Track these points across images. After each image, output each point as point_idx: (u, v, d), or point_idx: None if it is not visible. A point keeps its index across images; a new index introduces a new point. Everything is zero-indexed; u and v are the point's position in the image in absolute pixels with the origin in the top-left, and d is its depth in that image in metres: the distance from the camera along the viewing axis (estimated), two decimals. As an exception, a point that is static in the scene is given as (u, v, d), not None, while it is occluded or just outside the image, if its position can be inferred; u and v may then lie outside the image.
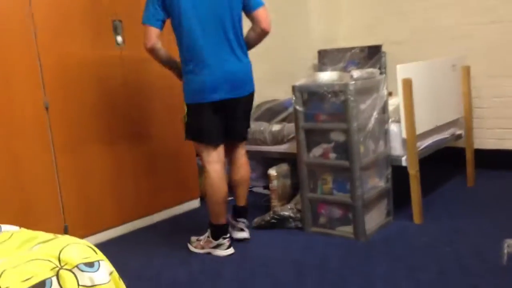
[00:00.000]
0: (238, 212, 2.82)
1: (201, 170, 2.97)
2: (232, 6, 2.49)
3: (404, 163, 2.84)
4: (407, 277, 2.20)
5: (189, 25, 2.46)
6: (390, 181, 2.89)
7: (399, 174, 2.92)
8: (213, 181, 2.58)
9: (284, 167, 3.25)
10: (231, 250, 2.64)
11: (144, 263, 2.63)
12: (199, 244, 2.71)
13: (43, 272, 1.27)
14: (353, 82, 2.59)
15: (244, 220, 2.82)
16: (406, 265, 2.31)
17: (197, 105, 2.54)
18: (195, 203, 3.53)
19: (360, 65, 3.73)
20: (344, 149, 2.67)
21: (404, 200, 2.91)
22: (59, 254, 1.34)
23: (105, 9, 2.96)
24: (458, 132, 3.39)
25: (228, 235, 2.67)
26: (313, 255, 2.53)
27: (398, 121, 2.85)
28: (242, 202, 2.81)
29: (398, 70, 2.73)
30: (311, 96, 2.77)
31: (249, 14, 2.57)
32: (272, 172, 3.17)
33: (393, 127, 2.87)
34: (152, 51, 2.55)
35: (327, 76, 2.76)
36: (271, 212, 2.99)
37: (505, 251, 2.31)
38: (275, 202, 3.17)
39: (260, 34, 2.60)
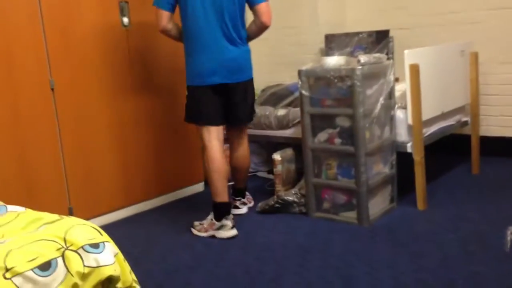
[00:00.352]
0: (234, 191, 3.05)
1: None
2: None
3: (409, 150, 2.83)
4: (410, 263, 2.20)
5: (194, 12, 2.60)
6: (395, 168, 2.88)
7: (403, 160, 2.91)
8: (213, 157, 2.68)
9: (289, 152, 3.25)
10: (234, 231, 2.66)
11: (148, 246, 2.65)
12: (202, 227, 2.75)
13: (48, 253, 1.28)
14: (360, 67, 2.57)
15: (240, 199, 3.04)
16: (409, 251, 2.31)
17: (196, 87, 2.69)
18: (199, 187, 3.54)
19: (367, 50, 3.69)
20: (350, 135, 2.66)
21: (408, 187, 2.90)
22: (65, 235, 1.35)
23: (110, -10, 2.94)
24: (464, 119, 3.37)
25: (231, 216, 2.71)
26: (317, 240, 2.54)
27: (404, 107, 2.83)
28: (240, 184, 3.05)
29: (405, 55, 2.70)
30: (317, 81, 2.75)
31: (251, 7, 2.70)
32: (277, 156, 3.17)
33: (399, 113, 2.86)
34: (164, 32, 2.74)
35: (334, 61, 2.73)
36: (275, 197, 2.99)
37: (509, 238, 2.32)
38: (279, 187, 3.17)
39: (260, 27, 2.73)
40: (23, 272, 1.21)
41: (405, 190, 2.95)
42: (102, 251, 1.36)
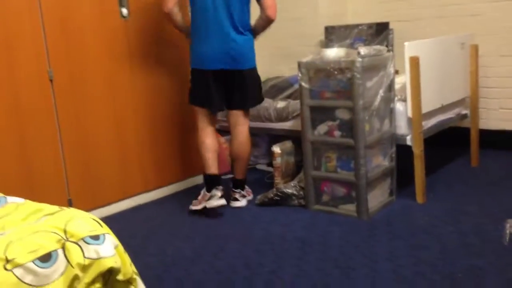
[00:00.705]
0: (234, 183, 3.05)
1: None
2: None
3: (408, 142, 2.83)
4: (409, 255, 2.21)
5: (203, 0, 2.75)
6: (394, 160, 2.88)
7: (402, 153, 2.91)
8: (202, 140, 2.94)
9: (288, 144, 3.24)
10: (222, 201, 2.83)
11: (147, 238, 2.65)
12: (197, 202, 2.92)
13: (49, 244, 1.27)
14: (360, 59, 2.56)
15: (240, 191, 3.03)
16: (408, 244, 2.32)
17: (198, 71, 2.86)
18: (199, 179, 3.54)
19: (367, 42, 3.68)
20: (349, 127, 2.66)
21: (407, 179, 2.91)
22: (65, 226, 1.34)
23: (109, -19, 2.92)
24: (464, 112, 3.37)
25: (221, 186, 2.91)
26: (316, 232, 2.55)
27: (404, 100, 2.83)
28: (239, 175, 3.04)
29: (406, 47, 2.69)
30: (317, 73, 2.74)
31: (258, 1, 2.81)
32: (276, 149, 3.16)
33: (398, 106, 2.85)
34: (168, 16, 2.84)
35: (334, 53, 2.72)
36: (274, 189, 2.99)
37: (508, 231, 2.32)
38: (278, 180, 3.17)
39: (265, 21, 2.85)
40: (24, 263, 1.21)
41: (404, 183, 2.95)
42: (102, 243, 1.36)
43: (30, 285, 1.20)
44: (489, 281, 1.95)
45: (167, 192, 3.35)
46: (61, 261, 1.26)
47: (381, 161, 2.83)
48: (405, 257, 2.19)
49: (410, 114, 2.76)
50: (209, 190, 2.87)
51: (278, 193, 2.95)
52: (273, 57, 4.41)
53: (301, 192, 2.91)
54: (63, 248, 1.29)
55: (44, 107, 2.69)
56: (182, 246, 2.51)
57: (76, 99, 2.82)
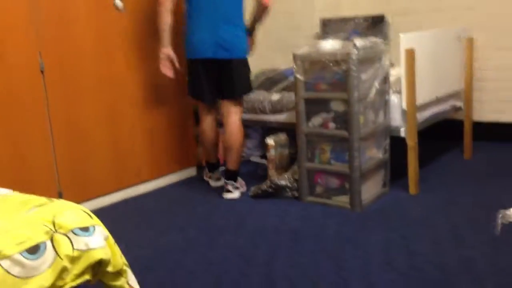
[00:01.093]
0: (226, 174, 3.08)
1: (198, 137, 3.29)
2: None
3: (403, 134, 2.83)
4: (402, 247, 2.21)
5: None
6: (388, 152, 2.88)
7: (395, 144, 2.91)
8: (203, 128, 3.12)
9: (282, 136, 3.23)
10: (219, 183, 3.20)
11: (139, 230, 2.65)
12: (207, 173, 3.34)
13: (37, 236, 1.26)
14: (356, 51, 2.54)
15: (233, 183, 3.05)
16: (401, 236, 2.32)
17: (192, 60, 2.96)
18: (191, 171, 3.53)
19: (363, 35, 3.66)
20: (344, 119, 2.65)
21: (400, 171, 2.91)
22: (54, 218, 1.33)
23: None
24: (458, 104, 3.37)
25: (218, 171, 3.26)
26: (309, 224, 2.54)
27: (399, 92, 2.82)
28: (231, 165, 3.07)
29: (401, 39, 2.68)
30: (312, 65, 2.73)
31: None
32: (270, 141, 3.15)
33: (393, 98, 2.85)
34: (161, 8, 2.88)
35: (329, 45, 2.71)
36: (268, 181, 2.98)
37: (499, 221, 2.32)
38: (272, 171, 3.16)
39: (261, 9, 2.92)
40: (11, 255, 1.20)
41: (397, 174, 2.95)
42: (92, 234, 1.35)
43: (17, 276, 1.19)
44: (481, 271, 1.95)
45: (160, 184, 3.33)
46: (49, 252, 1.25)
47: (375, 153, 2.82)
48: (398, 248, 2.20)
49: (404, 106, 2.76)
50: (209, 171, 3.30)
51: (272, 185, 2.94)
52: (268, 50, 4.39)
53: (295, 184, 2.90)
54: (52, 239, 1.27)
55: (35, 99, 2.67)
56: (175, 237, 2.51)
57: (67, 91, 2.79)
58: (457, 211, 2.54)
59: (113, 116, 3.01)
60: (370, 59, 2.67)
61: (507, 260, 2.02)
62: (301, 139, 2.82)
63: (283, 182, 2.93)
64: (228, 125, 3.00)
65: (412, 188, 2.82)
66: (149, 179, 3.26)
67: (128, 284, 1.46)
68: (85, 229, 1.35)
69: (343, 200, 2.74)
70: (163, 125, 3.29)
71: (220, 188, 3.18)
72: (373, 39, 2.77)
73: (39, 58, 2.66)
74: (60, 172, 2.79)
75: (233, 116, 3.00)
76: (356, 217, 2.59)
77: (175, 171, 3.42)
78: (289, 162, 3.23)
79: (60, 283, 1.27)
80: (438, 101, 3.10)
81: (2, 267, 1.17)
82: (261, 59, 4.30)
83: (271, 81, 3.70)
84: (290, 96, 3.37)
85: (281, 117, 3.45)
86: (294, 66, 2.74)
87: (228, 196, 3.03)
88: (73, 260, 1.29)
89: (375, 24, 3.71)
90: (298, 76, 2.74)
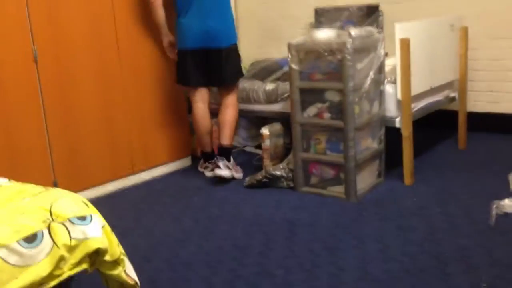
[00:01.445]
0: (219, 150, 3.16)
1: (192, 128, 3.29)
2: None
3: (398, 125, 2.83)
4: (397, 236, 2.22)
5: None
6: (383, 143, 2.88)
7: (390, 135, 2.91)
8: (196, 117, 3.12)
9: (277, 126, 3.23)
10: (213, 173, 3.07)
11: (135, 220, 2.64)
12: (202, 164, 3.32)
13: (34, 225, 1.25)
14: (351, 40, 2.53)
15: (224, 159, 3.07)
16: (396, 225, 2.33)
17: (182, 50, 3.03)
18: (187, 161, 3.52)
19: (357, 25, 3.65)
20: (339, 109, 2.65)
21: (395, 161, 2.91)
22: (51, 207, 1.32)
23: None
24: (452, 94, 3.37)
25: (213, 161, 3.15)
26: (305, 214, 2.55)
27: (394, 82, 2.82)
28: (224, 140, 3.13)
29: (396, 29, 2.67)
30: (307, 54, 2.72)
31: None
32: (265, 131, 3.15)
33: (388, 88, 2.84)
34: (151, 6, 3.02)
35: (325, 34, 2.70)
36: (263, 172, 2.98)
37: (494, 212, 2.35)
38: (267, 162, 3.16)
39: None
40: (8, 244, 1.19)
41: (392, 164, 2.96)
42: (89, 224, 1.34)
43: (14, 265, 1.18)
44: (475, 261, 1.97)
45: (155, 174, 3.32)
46: (46, 241, 1.24)
47: (370, 143, 2.83)
48: (393, 238, 2.21)
49: (399, 96, 2.76)
50: (205, 162, 3.27)
51: (267, 175, 2.94)
52: (263, 39, 4.37)
53: (290, 174, 2.90)
54: (49, 228, 1.26)
55: (28, 88, 2.64)
56: (170, 228, 2.50)
57: (61, 80, 2.76)
58: (452, 201, 2.56)
59: (107, 105, 2.99)
60: (365, 48, 2.66)
61: (502, 250, 2.04)
62: (296, 129, 2.82)
63: (278, 172, 2.93)
64: (226, 105, 3.13)
65: (407, 178, 2.83)
66: (144, 169, 3.25)
67: (125, 273, 1.46)
68: (82, 218, 1.34)
69: (338, 190, 2.74)
70: (158, 115, 3.27)
71: (215, 178, 3.18)
72: (368, 28, 2.76)
73: (32, 47, 2.63)
74: (55, 161, 2.77)
75: (230, 98, 3.14)
76: (351, 207, 2.60)
77: (170, 161, 3.40)
78: (284, 152, 3.23)
79: (57, 272, 1.26)
80: (432, 91, 3.10)
81: (-1, 256, 1.17)
82: (255, 49, 4.28)
83: (266, 70, 3.69)
84: (284, 86, 3.36)
85: (276, 107, 3.44)
86: (289, 56, 2.73)
87: (217, 172, 3.01)
88: (71, 249, 1.28)
89: (370, 14, 3.70)
90: (293, 65, 2.73)
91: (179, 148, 3.44)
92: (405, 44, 2.67)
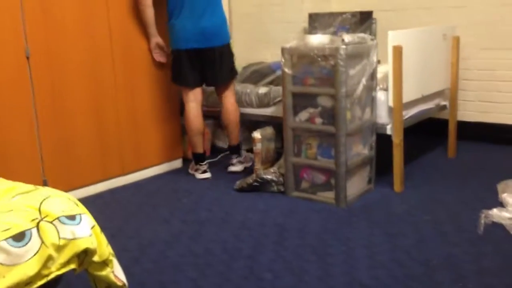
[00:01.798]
0: (230, 149, 3.32)
1: (185, 129, 3.30)
2: None
3: (389, 132, 2.85)
4: (386, 243, 2.23)
5: None
6: (374, 149, 2.89)
7: (381, 142, 2.93)
8: (189, 117, 3.14)
9: (269, 130, 3.23)
10: (205, 175, 3.20)
11: (124, 221, 2.62)
12: (192, 167, 3.31)
13: (22, 223, 1.24)
14: (344, 46, 2.55)
15: (237, 156, 3.29)
16: (385, 232, 2.34)
17: (176, 51, 3.05)
18: (177, 163, 3.51)
19: (350, 31, 3.68)
20: (331, 115, 2.66)
21: (385, 168, 2.93)
22: (40, 206, 1.31)
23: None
24: (443, 103, 3.40)
25: (205, 162, 3.24)
26: (294, 219, 2.55)
27: (386, 89, 2.84)
28: (232, 141, 3.29)
29: (389, 36, 2.69)
30: (300, 59, 2.73)
31: None
32: (257, 135, 3.14)
33: (380, 95, 2.86)
34: (140, 7, 3.02)
35: (318, 39, 2.71)
36: (254, 175, 2.98)
37: (482, 221, 2.37)
38: (258, 165, 3.16)
39: None
40: (-4, 242, 1.17)
41: (383, 171, 2.98)
42: (78, 223, 1.33)
43: (2, 264, 1.17)
44: (463, 268, 1.98)
45: (145, 175, 3.31)
46: (35, 240, 1.23)
47: (361, 150, 2.84)
48: (382, 244, 2.22)
49: (391, 103, 2.77)
50: (196, 163, 3.26)
51: (258, 179, 2.94)
52: (256, 43, 4.38)
53: (281, 179, 2.91)
54: (38, 227, 1.25)
55: (20, 85, 2.61)
56: (159, 229, 2.49)
57: (53, 78, 2.75)
58: (441, 209, 2.57)
59: (99, 105, 2.97)
60: (358, 55, 2.68)
61: (489, 259, 2.05)
62: (288, 134, 2.82)
63: (269, 177, 2.93)
64: (225, 104, 3.20)
65: (397, 185, 2.84)
66: (135, 170, 3.23)
67: (114, 274, 1.45)
68: (72, 218, 1.33)
69: (328, 195, 2.75)
70: (150, 116, 3.26)
71: (205, 181, 3.17)
72: (361, 35, 2.78)
73: (24, 44, 2.61)
74: (45, 160, 2.75)
75: (228, 98, 3.20)
76: (341, 213, 2.61)
77: (161, 163, 3.39)
78: (275, 156, 3.23)
79: (45, 271, 1.25)
80: (424, 99, 3.13)
81: (-14, 254, 1.15)
82: (248, 52, 4.29)
83: (258, 74, 3.70)
84: (277, 90, 3.37)
85: (268, 111, 3.45)
86: (282, 60, 2.74)
87: (231, 169, 3.27)
88: (59, 248, 1.27)
89: (363, 20, 3.72)
90: (286, 70, 2.74)
91: (170, 149, 3.42)
92: (398, 52, 2.69)
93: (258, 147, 3.15)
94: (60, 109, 2.79)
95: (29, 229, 1.24)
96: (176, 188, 3.09)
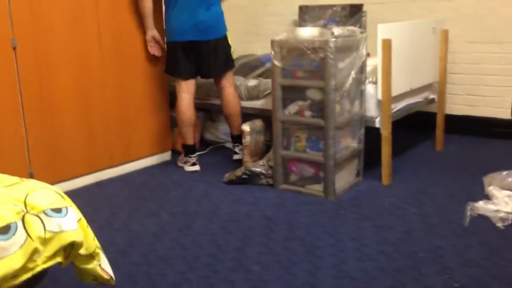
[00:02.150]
0: (233, 139, 3.33)
1: (174, 121, 3.30)
2: None
3: (377, 125, 2.86)
4: (374, 235, 2.24)
5: None
6: (363, 142, 2.90)
7: (369, 135, 2.94)
8: (180, 108, 3.12)
9: (258, 123, 3.23)
10: (194, 168, 3.19)
11: (112, 214, 2.61)
12: (181, 159, 3.29)
13: (8, 216, 1.22)
14: (334, 39, 2.54)
15: (238, 145, 3.30)
16: (373, 224, 2.36)
17: (172, 43, 3.07)
18: (166, 156, 3.49)
19: (340, 24, 3.67)
20: (320, 108, 2.66)
21: (373, 161, 2.94)
22: (25, 198, 1.29)
23: None
24: (431, 96, 3.42)
25: (195, 155, 3.24)
26: (283, 211, 2.55)
27: (375, 82, 2.84)
28: (234, 131, 3.30)
29: (378, 29, 2.69)
30: (290, 51, 2.72)
31: None
32: (246, 127, 3.14)
33: (369, 88, 2.87)
34: None
35: (308, 32, 2.70)
36: (243, 168, 2.98)
37: (468, 213, 2.39)
38: (247, 158, 3.16)
39: None
40: (-20, 235, 1.16)
41: (371, 164, 2.99)
42: (64, 216, 1.32)
43: (-14, 257, 1.15)
44: (449, 260, 2.00)
45: (133, 168, 3.29)
46: (20, 233, 1.21)
47: (350, 143, 2.85)
48: (370, 237, 2.23)
49: (380, 96, 2.78)
50: (185, 156, 3.24)
51: (247, 172, 2.94)
52: (246, 35, 4.36)
53: (270, 171, 2.91)
54: (23, 220, 1.24)
55: (6, 76, 2.58)
56: (147, 222, 2.48)
57: (40, 69, 2.71)
58: (428, 202, 2.59)
59: (87, 97, 2.94)
60: (347, 48, 2.67)
61: (474, 250, 2.08)
62: (277, 126, 2.82)
63: (258, 169, 2.93)
64: (225, 96, 3.20)
65: (385, 178, 2.86)
66: (123, 163, 3.21)
67: (101, 267, 1.44)
68: (58, 210, 1.31)
69: (317, 188, 2.76)
70: (139, 108, 3.24)
71: (194, 173, 3.17)
72: (351, 28, 2.77)
73: (11, 34, 2.57)
74: (32, 152, 2.72)
75: (227, 88, 3.20)
76: (330, 205, 2.62)
77: (150, 155, 3.37)
78: (265, 149, 3.24)
79: (31, 265, 1.23)
80: (412, 92, 3.14)
81: (-30, 247, 1.14)
82: (238, 45, 4.26)
83: (248, 66, 3.69)
84: (266, 83, 3.36)
85: (257, 104, 3.44)
86: (272, 52, 2.73)
87: (235, 157, 3.31)
88: (45, 241, 1.26)
89: (353, 13, 3.72)
90: (276, 62, 2.73)
91: (159, 142, 3.41)
92: (387, 45, 2.70)
93: (247, 139, 3.15)
94: (47, 100, 2.76)
95: (15, 222, 1.22)
96: (165, 180, 3.08)
